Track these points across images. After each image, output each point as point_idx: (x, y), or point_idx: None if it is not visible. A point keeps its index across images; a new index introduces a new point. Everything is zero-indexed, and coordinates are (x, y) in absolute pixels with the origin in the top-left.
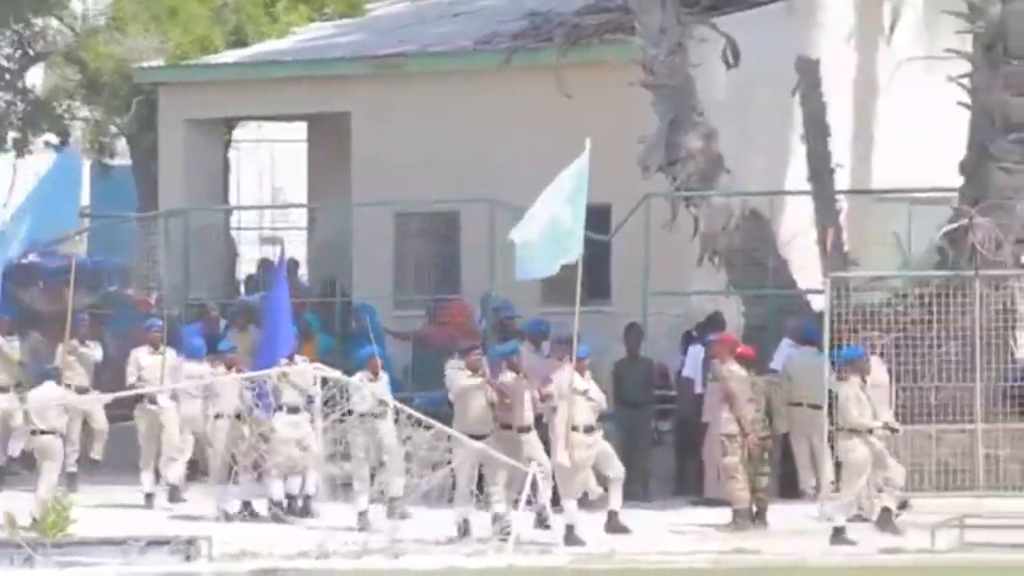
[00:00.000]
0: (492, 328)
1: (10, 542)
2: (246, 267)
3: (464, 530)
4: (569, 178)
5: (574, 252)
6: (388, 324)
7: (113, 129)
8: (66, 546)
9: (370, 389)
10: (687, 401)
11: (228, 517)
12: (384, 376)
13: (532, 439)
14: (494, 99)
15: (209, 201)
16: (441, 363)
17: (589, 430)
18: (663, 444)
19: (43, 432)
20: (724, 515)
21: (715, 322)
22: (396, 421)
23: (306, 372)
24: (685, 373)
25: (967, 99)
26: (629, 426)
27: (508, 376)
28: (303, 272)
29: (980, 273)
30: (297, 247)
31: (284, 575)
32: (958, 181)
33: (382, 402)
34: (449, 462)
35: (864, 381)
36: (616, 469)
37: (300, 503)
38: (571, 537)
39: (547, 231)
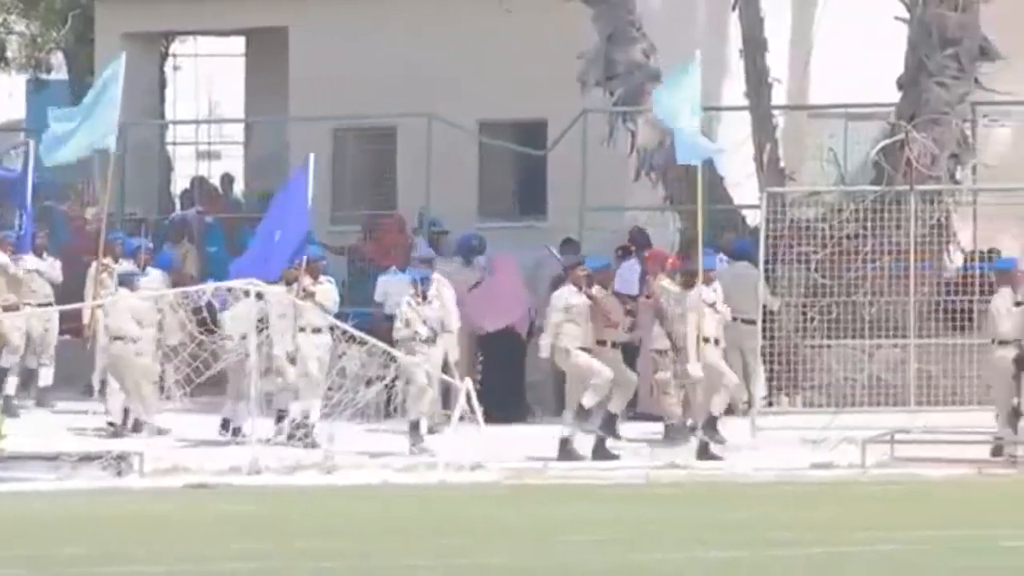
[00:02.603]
0: (428, 243)
1: None
2: (181, 182)
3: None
4: (684, 84)
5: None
6: (324, 239)
7: (49, 43)
8: None
9: (418, 314)
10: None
11: (237, 435)
12: (434, 301)
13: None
14: (433, 13)
15: (145, 116)
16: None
17: (717, 342)
18: None
19: (116, 339)
20: (657, 429)
21: (639, 238)
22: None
23: (330, 292)
24: (618, 288)
25: (904, 14)
26: None
27: (598, 292)
28: (239, 187)
29: (915, 188)
30: (233, 162)
31: (215, 490)
32: (895, 96)
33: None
34: (382, 378)
35: (1015, 292)
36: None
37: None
38: (710, 427)
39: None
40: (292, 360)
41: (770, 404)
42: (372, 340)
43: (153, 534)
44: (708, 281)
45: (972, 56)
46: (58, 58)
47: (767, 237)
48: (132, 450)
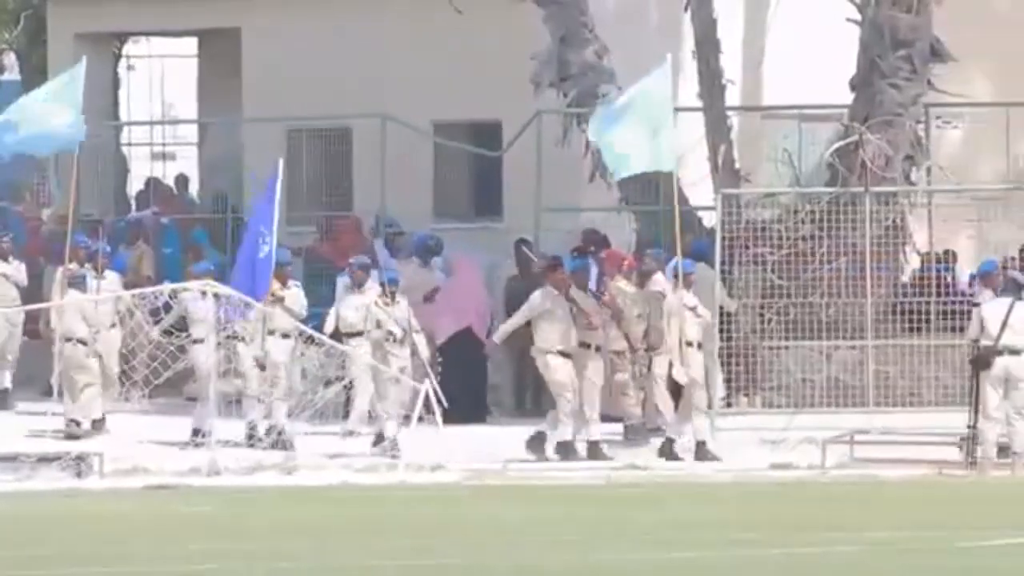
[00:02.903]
0: (384, 244)
1: None
2: (136, 183)
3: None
4: (653, 89)
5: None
6: (279, 240)
7: (2, 44)
8: None
9: (387, 314)
10: None
11: (203, 439)
12: (402, 301)
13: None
14: (385, 14)
15: (99, 117)
16: (333, 279)
17: (700, 346)
18: None
19: (66, 340)
20: (616, 430)
21: (592, 239)
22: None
23: (299, 297)
24: None
25: (857, 15)
26: (521, 342)
27: (576, 293)
28: (194, 188)
29: (870, 190)
30: (188, 163)
31: (175, 492)
32: (848, 97)
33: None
34: (340, 378)
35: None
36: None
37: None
38: (702, 452)
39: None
40: (261, 365)
41: (729, 405)
42: (330, 342)
43: (114, 535)
44: (688, 284)
45: (924, 58)
46: (10, 59)
47: (723, 239)
48: (91, 451)
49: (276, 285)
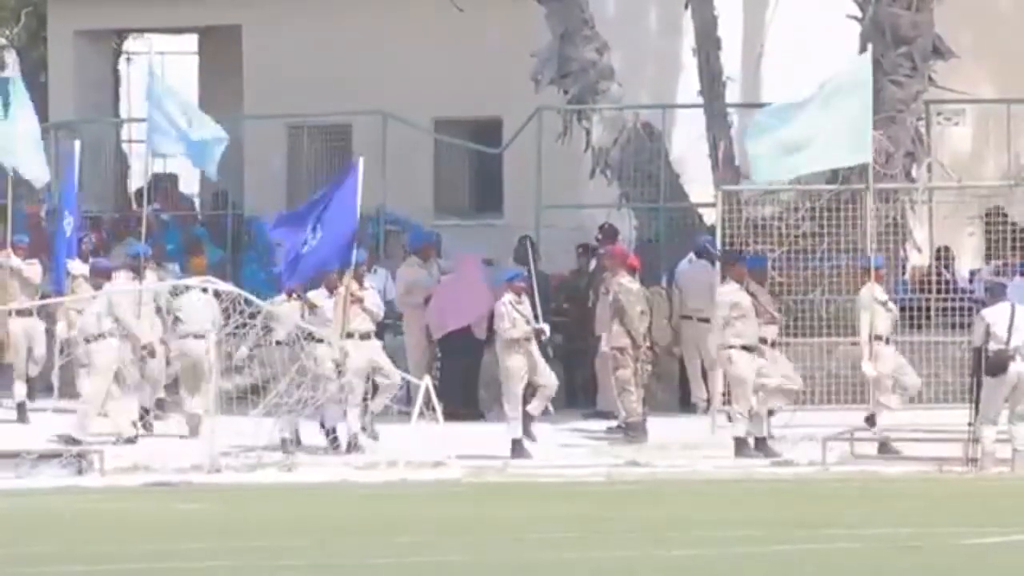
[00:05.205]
0: (384, 241)
1: None
2: (137, 180)
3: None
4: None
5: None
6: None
7: (2, 41)
8: None
9: (520, 313)
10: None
11: (285, 445)
12: (525, 300)
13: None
14: (386, 11)
15: (99, 113)
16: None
17: (888, 340)
18: (558, 357)
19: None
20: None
21: (608, 233)
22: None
23: (377, 297)
24: None
25: (857, 12)
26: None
27: (757, 289)
28: (193, 187)
29: (871, 187)
30: (188, 160)
31: (176, 489)
32: None
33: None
34: (341, 374)
35: None
36: (914, 380)
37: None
38: (887, 447)
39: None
40: (339, 367)
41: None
42: (335, 339)
43: (114, 533)
44: (879, 279)
45: (925, 54)
46: (11, 56)
47: (723, 235)
48: (92, 448)
49: (355, 286)
